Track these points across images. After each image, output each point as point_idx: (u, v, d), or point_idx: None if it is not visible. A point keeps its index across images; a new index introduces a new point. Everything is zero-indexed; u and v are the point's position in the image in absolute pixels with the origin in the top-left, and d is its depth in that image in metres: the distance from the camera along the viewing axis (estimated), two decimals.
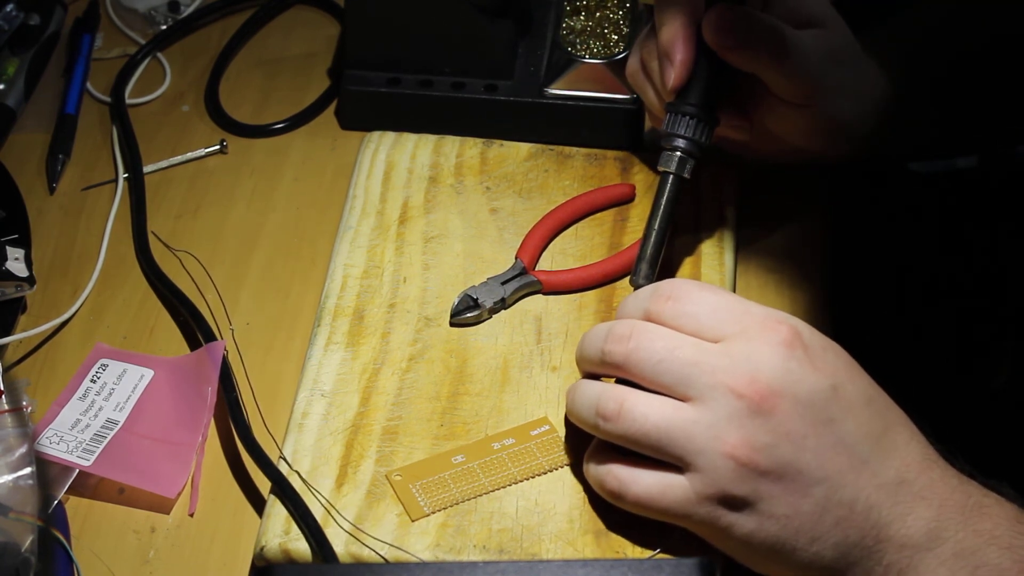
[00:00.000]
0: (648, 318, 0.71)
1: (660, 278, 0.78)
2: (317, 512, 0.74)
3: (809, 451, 0.66)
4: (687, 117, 0.81)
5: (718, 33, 0.79)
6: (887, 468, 0.67)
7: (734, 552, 0.69)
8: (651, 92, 0.85)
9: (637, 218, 0.89)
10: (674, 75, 0.81)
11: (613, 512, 0.74)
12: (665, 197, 0.81)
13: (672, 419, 0.68)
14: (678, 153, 0.81)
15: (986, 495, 0.69)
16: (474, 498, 0.75)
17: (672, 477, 0.68)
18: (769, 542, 0.67)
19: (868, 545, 0.67)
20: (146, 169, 0.96)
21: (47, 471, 0.76)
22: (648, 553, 0.72)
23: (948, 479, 0.68)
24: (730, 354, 0.68)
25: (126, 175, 0.95)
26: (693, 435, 0.67)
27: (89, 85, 1.02)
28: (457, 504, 0.75)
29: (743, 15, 0.80)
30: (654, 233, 0.81)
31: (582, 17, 0.96)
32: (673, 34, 0.81)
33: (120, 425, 0.80)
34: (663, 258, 0.81)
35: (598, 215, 0.90)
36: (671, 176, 0.81)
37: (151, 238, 0.91)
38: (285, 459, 0.76)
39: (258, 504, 0.78)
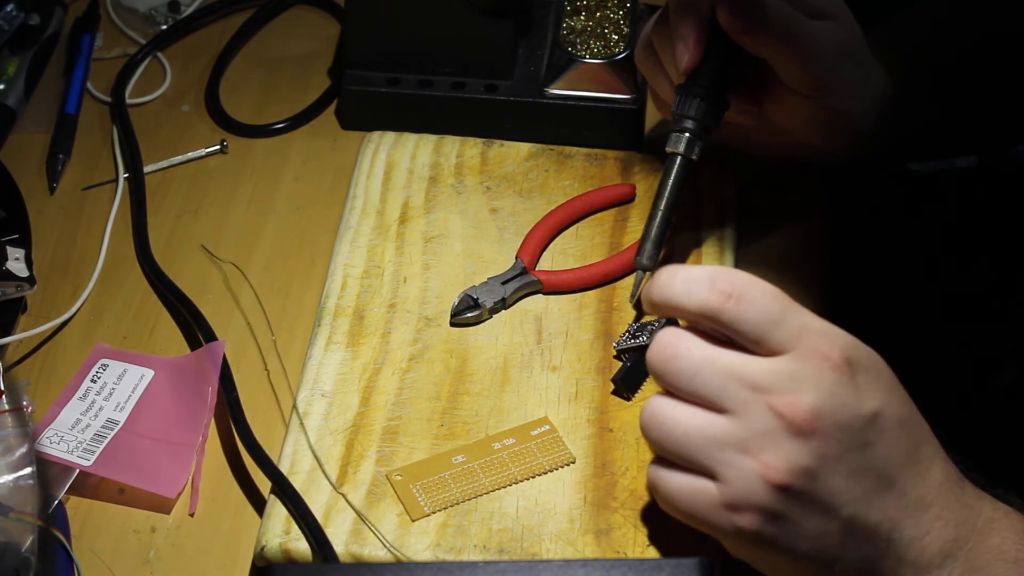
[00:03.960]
0: (704, 312, 0.66)
1: None
2: (318, 511, 0.74)
3: (841, 475, 0.65)
4: (697, 99, 0.81)
5: (732, 15, 0.79)
6: (911, 491, 0.67)
7: (756, 564, 0.69)
8: (661, 76, 0.85)
9: (637, 218, 0.89)
10: (687, 56, 0.80)
11: (613, 512, 0.74)
12: (672, 178, 0.81)
13: (703, 429, 0.66)
14: (687, 134, 0.81)
15: (996, 509, 0.69)
16: (474, 498, 0.75)
17: (703, 483, 0.67)
18: (792, 559, 0.67)
19: (889, 566, 0.67)
20: (146, 169, 0.96)
21: (47, 471, 0.76)
22: (648, 553, 0.72)
23: (964, 499, 0.68)
24: (774, 372, 0.65)
25: (126, 175, 0.95)
26: (723, 447, 0.66)
27: (89, 85, 1.02)
28: (457, 504, 0.75)
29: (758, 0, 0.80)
30: (659, 214, 0.80)
31: (582, 17, 0.96)
32: (687, 15, 0.80)
33: (120, 425, 0.80)
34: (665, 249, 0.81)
35: (598, 215, 0.90)
36: (679, 157, 0.81)
37: (198, 246, 0.91)
38: (297, 408, 0.76)
39: (258, 504, 0.78)
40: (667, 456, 0.68)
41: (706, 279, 0.67)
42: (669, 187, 0.81)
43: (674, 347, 0.67)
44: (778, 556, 0.67)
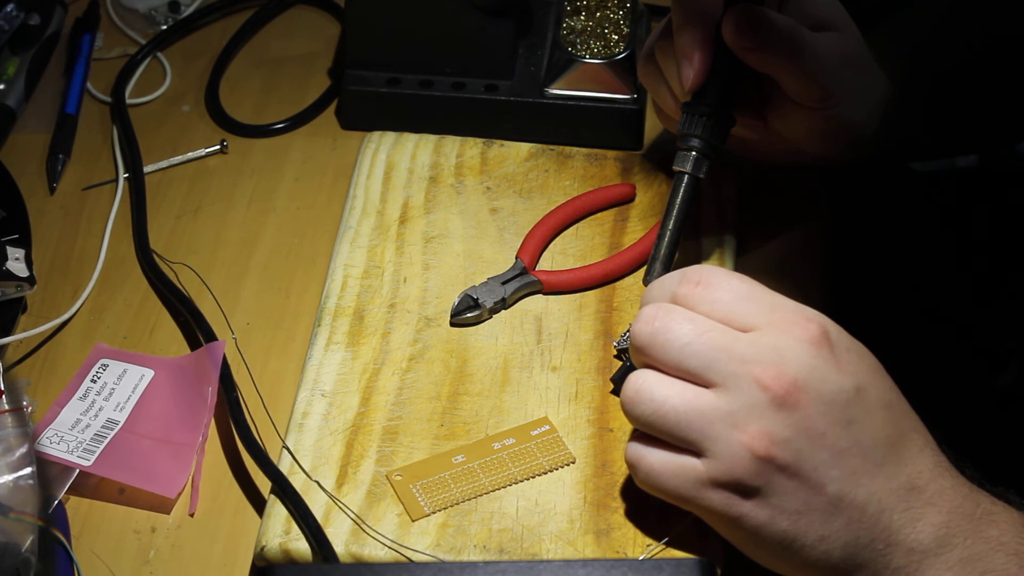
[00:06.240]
0: (675, 302, 0.69)
1: None
2: (318, 511, 0.74)
3: (826, 450, 0.66)
4: (704, 117, 0.80)
5: (737, 34, 0.79)
6: (900, 473, 0.67)
7: (741, 544, 0.69)
8: (665, 92, 0.85)
9: (637, 218, 0.90)
10: (692, 75, 0.80)
11: (613, 512, 0.74)
12: (680, 197, 0.81)
13: (692, 403, 0.67)
14: (694, 153, 0.81)
15: (994, 503, 0.69)
16: (474, 498, 0.75)
17: (687, 460, 0.68)
18: (778, 537, 0.67)
19: (878, 548, 0.67)
20: (146, 169, 0.96)
21: (47, 471, 0.76)
22: (649, 553, 0.72)
23: (959, 488, 0.68)
24: (758, 344, 0.67)
25: (126, 175, 0.95)
26: (712, 421, 0.66)
27: (89, 85, 1.02)
28: (457, 504, 0.75)
29: (763, 16, 0.79)
30: (668, 234, 0.80)
31: (582, 17, 0.96)
32: (692, 34, 0.80)
33: (120, 425, 0.80)
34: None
35: (598, 215, 0.90)
36: (686, 176, 0.81)
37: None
38: (288, 448, 0.76)
39: (258, 504, 0.78)
40: (653, 432, 0.69)
41: (678, 274, 0.70)
42: (677, 206, 0.80)
43: (664, 320, 0.68)
44: (762, 533, 0.67)
